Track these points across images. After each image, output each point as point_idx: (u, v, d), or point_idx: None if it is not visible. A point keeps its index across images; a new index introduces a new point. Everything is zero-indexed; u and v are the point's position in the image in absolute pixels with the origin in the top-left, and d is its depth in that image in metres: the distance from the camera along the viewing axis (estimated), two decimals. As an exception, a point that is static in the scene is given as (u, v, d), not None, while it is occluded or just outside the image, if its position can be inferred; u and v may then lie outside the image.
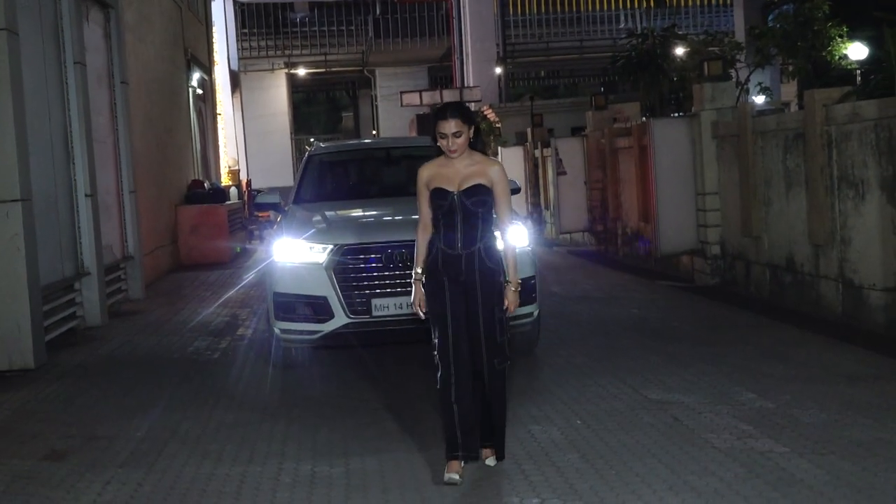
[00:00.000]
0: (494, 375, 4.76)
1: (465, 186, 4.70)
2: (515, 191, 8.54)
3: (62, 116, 9.58)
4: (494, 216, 4.80)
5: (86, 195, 9.86)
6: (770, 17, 20.20)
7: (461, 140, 4.69)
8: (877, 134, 7.64)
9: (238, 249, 17.83)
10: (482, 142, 4.86)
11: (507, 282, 4.75)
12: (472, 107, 35.26)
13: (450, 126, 4.67)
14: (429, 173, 4.80)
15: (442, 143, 4.71)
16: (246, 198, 22.69)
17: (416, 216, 4.90)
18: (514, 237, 4.84)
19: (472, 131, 4.71)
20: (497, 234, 4.82)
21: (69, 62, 9.73)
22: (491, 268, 4.71)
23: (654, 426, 5.48)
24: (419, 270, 4.79)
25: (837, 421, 5.39)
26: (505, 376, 4.81)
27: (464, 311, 4.73)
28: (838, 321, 8.19)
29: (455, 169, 4.74)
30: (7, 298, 7.77)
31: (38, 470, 5.25)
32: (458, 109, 4.72)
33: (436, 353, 4.79)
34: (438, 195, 4.72)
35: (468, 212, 4.68)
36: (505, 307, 4.74)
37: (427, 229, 4.80)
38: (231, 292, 12.72)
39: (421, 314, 4.81)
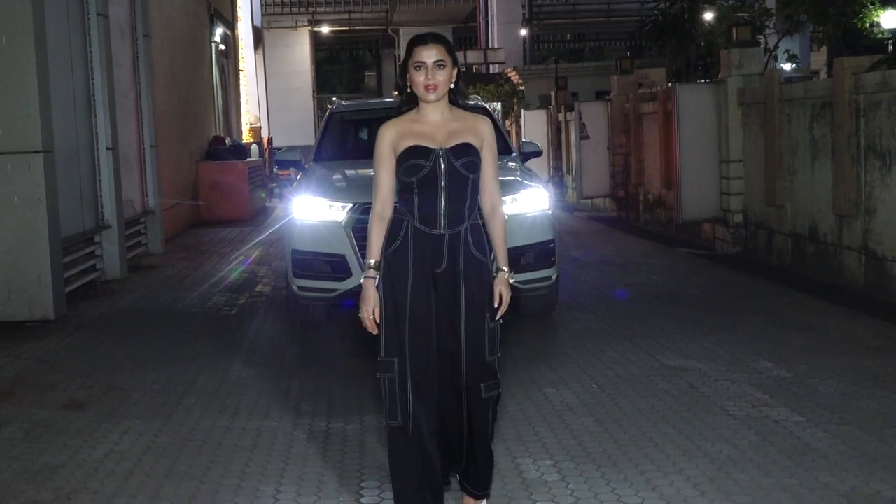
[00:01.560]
0: (480, 406, 3.57)
1: (451, 143, 3.54)
2: (537, 153, 8.53)
3: (84, 69, 9.57)
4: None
5: (107, 148, 9.87)
6: (801, -17, 19.81)
7: (443, 76, 3.52)
8: (906, 103, 7.51)
9: (263, 196, 17.79)
10: (464, 94, 3.74)
11: (497, 270, 3.61)
12: (496, 69, 35.03)
13: (430, 53, 3.51)
14: (396, 130, 3.58)
15: (417, 78, 3.52)
16: (267, 155, 22.70)
17: None
18: (503, 215, 3.71)
19: (455, 74, 3.59)
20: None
21: (92, 14, 9.69)
22: (479, 259, 3.57)
23: (670, 392, 5.47)
24: (371, 263, 3.56)
25: (855, 392, 5.36)
26: (495, 410, 3.66)
27: (431, 316, 3.55)
28: (860, 292, 8.12)
29: (433, 123, 3.58)
30: (28, 249, 7.82)
31: (57, 419, 5.31)
32: (442, 39, 3.61)
33: (380, 374, 3.55)
34: (415, 153, 3.51)
35: (457, 177, 3.52)
36: (497, 306, 3.58)
37: (386, 209, 3.58)
38: (250, 249, 12.76)
39: (373, 326, 3.54)
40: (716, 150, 11.08)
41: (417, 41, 3.56)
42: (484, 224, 3.65)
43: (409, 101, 3.62)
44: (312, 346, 7.01)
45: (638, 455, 4.47)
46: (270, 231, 14.56)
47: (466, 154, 3.54)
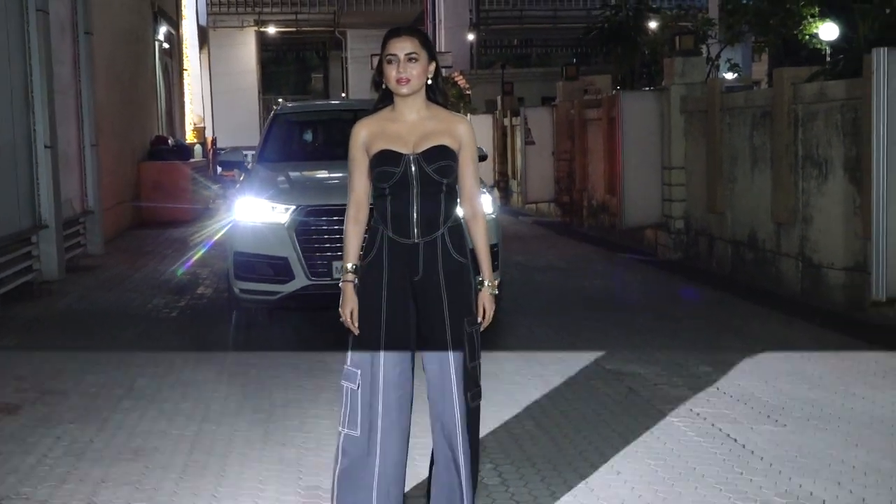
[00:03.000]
0: (467, 416, 3.40)
1: (424, 147, 3.38)
2: (482, 158, 8.53)
3: (22, 65, 9.38)
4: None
5: (45, 146, 9.69)
6: (744, -6, 20.20)
7: (417, 69, 3.37)
8: (842, 114, 7.68)
9: (200, 193, 17.39)
10: (444, 92, 3.58)
11: (479, 282, 3.47)
12: (443, 73, 35.06)
13: (403, 45, 3.36)
14: (369, 131, 3.44)
15: (389, 71, 3.38)
16: (211, 156, 22.46)
17: None
18: (485, 217, 3.55)
19: (431, 68, 3.43)
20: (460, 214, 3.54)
21: (31, 9, 9.51)
22: (459, 262, 3.42)
23: (610, 396, 5.52)
24: (349, 267, 3.49)
25: (792, 395, 5.46)
26: (479, 418, 3.50)
27: (409, 328, 3.44)
28: (797, 299, 8.27)
29: (408, 123, 3.42)
30: (-39, 249, 7.63)
31: (-11, 423, 5.19)
32: (417, 31, 3.50)
33: (344, 383, 3.46)
34: (385, 159, 3.37)
35: (429, 183, 3.37)
36: (479, 319, 3.45)
37: (361, 212, 3.51)
38: (192, 251, 12.61)
39: (354, 328, 3.46)
40: (659, 157, 11.22)
41: (391, 34, 3.42)
42: (465, 225, 3.52)
43: (385, 98, 3.47)
44: (254, 348, 6.94)
45: (577, 458, 4.50)
46: (213, 233, 14.39)
47: (440, 158, 3.38)
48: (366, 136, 3.44)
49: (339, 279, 6.78)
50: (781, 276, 8.68)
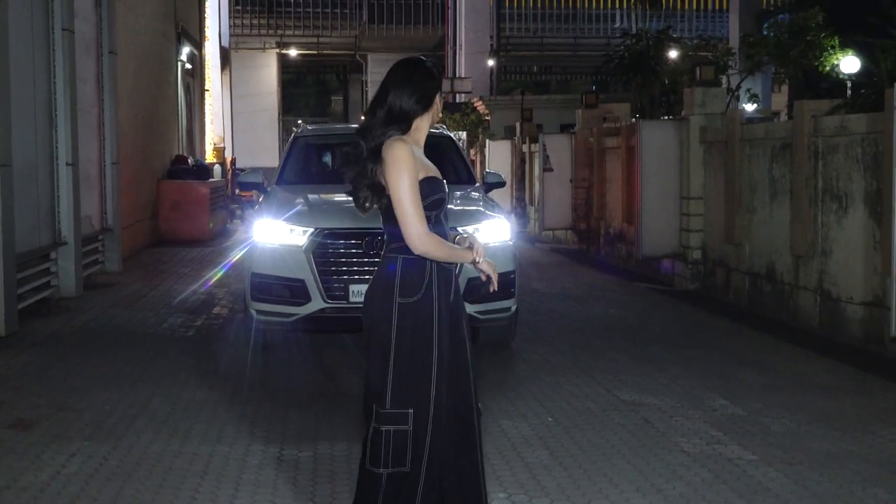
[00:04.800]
0: (479, 424, 3.49)
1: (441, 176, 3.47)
2: (500, 184, 8.58)
3: (47, 83, 9.47)
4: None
5: (67, 164, 9.75)
6: (765, 25, 20.22)
7: None
8: (863, 148, 7.66)
9: (210, 226, 17.39)
10: None
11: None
12: (463, 98, 35.29)
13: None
14: (414, 158, 3.31)
15: (430, 112, 3.42)
16: (230, 176, 22.57)
17: None
18: None
19: None
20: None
21: (57, 28, 9.61)
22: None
23: (625, 427, 5.48)
24: (468, 257, 3.38)
25: (807, 431, 5.41)
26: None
27: (446, 358, 3.37)
28: (815, 333, 8.22)
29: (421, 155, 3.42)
30: (-19, 264, 7.66)
31: (4, 438, 5.20)
32: None
33: (389, 426, 3.26)
34: (437, 186, 3.34)
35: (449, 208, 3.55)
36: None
37: None
38: (209, 271, 12.65)
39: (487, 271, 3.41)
40: (677, 187, 11.21)
41: (438, 76, 3.49)
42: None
43: (400, 128, 3.38)
44: (268, 370, 6.94)
45: (592, 490, 4.47)
46: (231, 253, 14.44)
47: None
48: (415, 162, 3.29)
49: (355, 302, 6.77)
50: (799, 310, 8.63)
